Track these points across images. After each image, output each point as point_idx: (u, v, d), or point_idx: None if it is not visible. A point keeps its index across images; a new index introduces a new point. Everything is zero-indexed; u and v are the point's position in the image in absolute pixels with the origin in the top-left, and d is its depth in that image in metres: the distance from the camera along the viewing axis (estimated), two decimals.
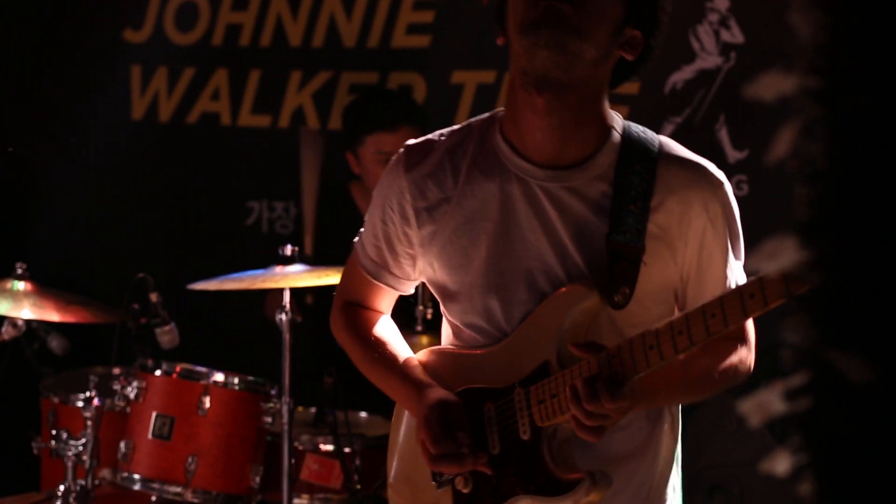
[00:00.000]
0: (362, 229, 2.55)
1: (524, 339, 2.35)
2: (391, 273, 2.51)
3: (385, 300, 2.58)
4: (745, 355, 2.36)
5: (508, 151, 2.37)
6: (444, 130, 2.47)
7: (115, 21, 5.46)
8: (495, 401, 2.37)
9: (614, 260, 2.28)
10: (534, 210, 2.34)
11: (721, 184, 2.33)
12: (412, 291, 2.59)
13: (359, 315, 2.57)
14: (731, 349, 2.34)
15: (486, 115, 2.46)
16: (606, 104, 2.36)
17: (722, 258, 2.32)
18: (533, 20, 2.23)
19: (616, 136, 2.35)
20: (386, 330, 2.55)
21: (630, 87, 4.42)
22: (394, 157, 2.48)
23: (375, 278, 2.52)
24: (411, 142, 2.48)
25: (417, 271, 2.50)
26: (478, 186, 2.38)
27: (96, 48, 5.50)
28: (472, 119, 2.48)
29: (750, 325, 2.37)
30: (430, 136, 2.48)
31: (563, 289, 2.31)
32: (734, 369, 2.34)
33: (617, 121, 2.38)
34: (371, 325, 2.55)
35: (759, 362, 2.40)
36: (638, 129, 2.37)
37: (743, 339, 2.36)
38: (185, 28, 5.35)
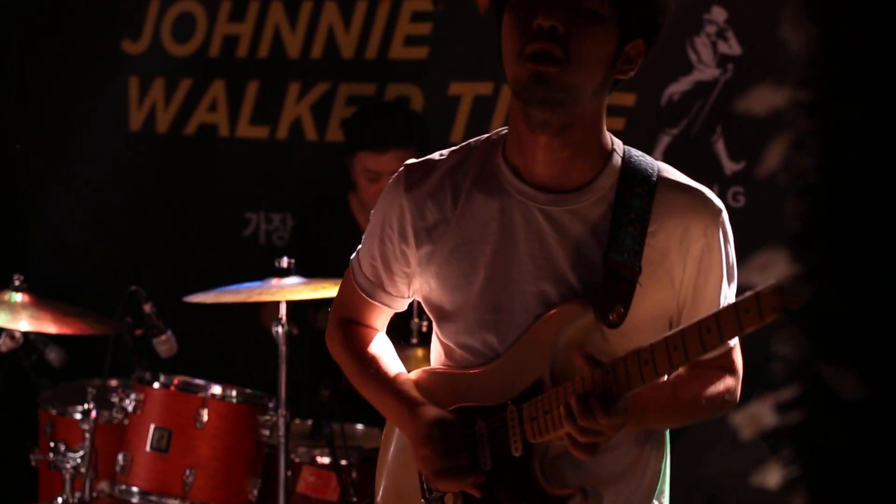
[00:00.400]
0: (360, 246, 2.55)
1: (518, 357, 2.34)
2: (385, 291, 2.51)
3: (380, 317, 2.58)
4: (734, 386, 2.39)
5: (510, 175, 2.37)
6: (445, 151, 2.48)
7: (113, 32, 5.46)
8: (487, 418, 2.36)
9: (610, 279, 2.28)
10: (532, 233, 2.34)
11: (720, 211, 2.34)
12: (405, 308, 2.59)
13: (354, 331, 2.57)
14: (721, 378, 2.37)
15: (487, 135, 2.46)
16: (605, 129, 2.36)
17: (717, 284, 2.33)
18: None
19: (617, 159, 2.36)
20: (380, 347, 2.56)
21: (626, 99, 4.43)
22: (394, 176, 2.47)
23: (370, 296, 2.52)
24: (411, 161, 2.48)
25: (413, 290, 2.50)
26: (477, 209, 2.38)
27: (94, 59, 5.50)
28: (473, 139, 2.48)
29: (738, 357, 2.41)
30: (430, 155, 2.47)
31: (558, 308, 2.31)
32: (721, 398, 2.37)
33: (618, 144, 2.39)
34: (366, 341, 2.55)
35: (751, 376, 2.41)
36: (637, 153, 2.38)
37: (732, 371, 2.39)
38: (183, 39, 5.35)
